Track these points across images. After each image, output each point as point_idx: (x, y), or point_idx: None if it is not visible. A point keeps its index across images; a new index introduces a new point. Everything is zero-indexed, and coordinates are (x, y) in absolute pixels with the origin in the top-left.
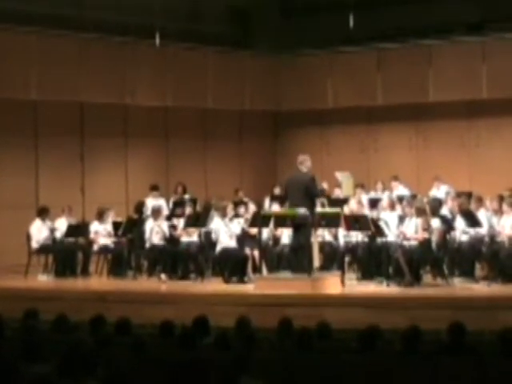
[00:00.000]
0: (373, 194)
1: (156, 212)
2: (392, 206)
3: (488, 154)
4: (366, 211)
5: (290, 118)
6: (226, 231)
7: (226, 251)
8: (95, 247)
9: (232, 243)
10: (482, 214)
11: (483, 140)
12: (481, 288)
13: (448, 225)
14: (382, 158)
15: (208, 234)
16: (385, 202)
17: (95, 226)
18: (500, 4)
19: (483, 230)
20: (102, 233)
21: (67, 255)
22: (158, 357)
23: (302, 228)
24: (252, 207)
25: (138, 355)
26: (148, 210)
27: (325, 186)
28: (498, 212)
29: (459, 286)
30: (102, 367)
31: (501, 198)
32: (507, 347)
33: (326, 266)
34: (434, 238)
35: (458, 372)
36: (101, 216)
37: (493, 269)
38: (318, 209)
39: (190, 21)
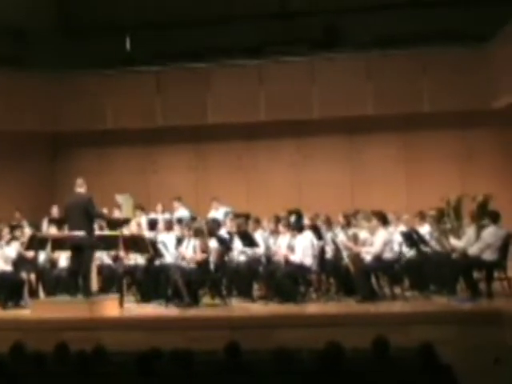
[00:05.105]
0: (153, 216)
1: None
2: (169, 228)
3: (265, 175)
4: (146, 233)
5: (69, 138)
6: (1, 255)
7: (1, 276)
8: None
9: (8, 267)
10: (258, 235)
11: (260, 162)
12: (258, 307)
13: (226, 245)
14: (162, 179)
15: None
16: (162, 224)
17: None
18: (277, 28)
19: (260, 251)
20: None
21: None
22: None
23: (81, 250)
24: (28, 230)
25: None
26: None
27: (105, 210)
28: (275, 232)
29: (237, 306)
30: None
31: (277, 219)
32: (280, 364)
33: (104, 289)
34: (212, 259)
35: None
36: None
37: (269, 288)
38: (97, 231)
39: None
